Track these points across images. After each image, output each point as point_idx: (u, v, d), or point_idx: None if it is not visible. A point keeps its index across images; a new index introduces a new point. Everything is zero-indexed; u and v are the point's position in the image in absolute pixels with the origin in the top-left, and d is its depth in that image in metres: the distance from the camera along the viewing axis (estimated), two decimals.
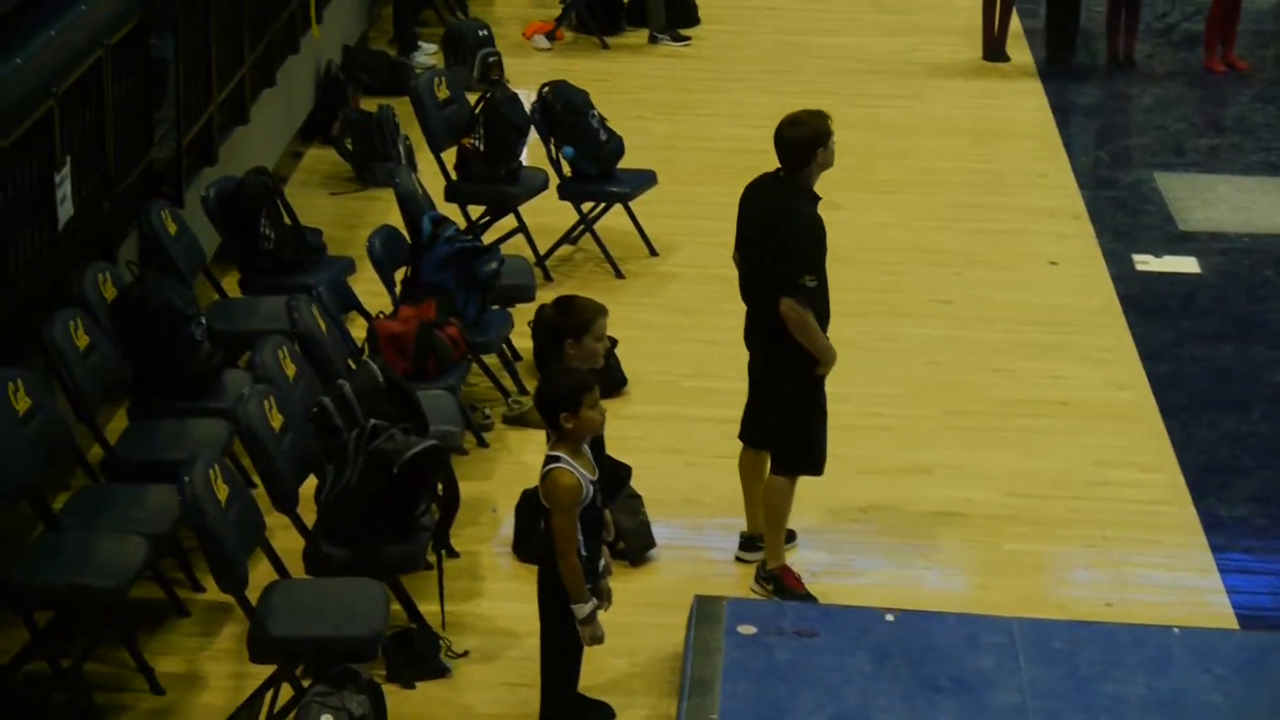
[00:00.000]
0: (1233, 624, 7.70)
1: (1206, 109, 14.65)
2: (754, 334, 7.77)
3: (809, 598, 7.74)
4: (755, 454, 7.91)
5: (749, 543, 8.05)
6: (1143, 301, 10.83)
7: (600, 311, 7.15)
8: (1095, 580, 8.08)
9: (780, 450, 7.77)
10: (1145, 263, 11.42)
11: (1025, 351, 10.09)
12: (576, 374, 6.59)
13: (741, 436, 7.97)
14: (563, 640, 6.55)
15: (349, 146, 12.18)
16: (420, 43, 14.59)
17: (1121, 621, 7.62)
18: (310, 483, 7.38)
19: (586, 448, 6.48)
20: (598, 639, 6.52)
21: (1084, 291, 10.95)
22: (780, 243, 7.42)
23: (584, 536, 6.42)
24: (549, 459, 6.39)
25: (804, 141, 7.44)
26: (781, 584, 7.77)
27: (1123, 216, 12.15)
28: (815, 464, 7.79)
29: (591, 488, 6.42)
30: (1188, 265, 11.41)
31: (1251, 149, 13.48)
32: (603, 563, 6.66)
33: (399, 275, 9.24)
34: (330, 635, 6.54)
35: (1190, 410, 9.51)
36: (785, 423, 7.72)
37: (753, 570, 7.93)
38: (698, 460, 8.88)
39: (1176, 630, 7.43)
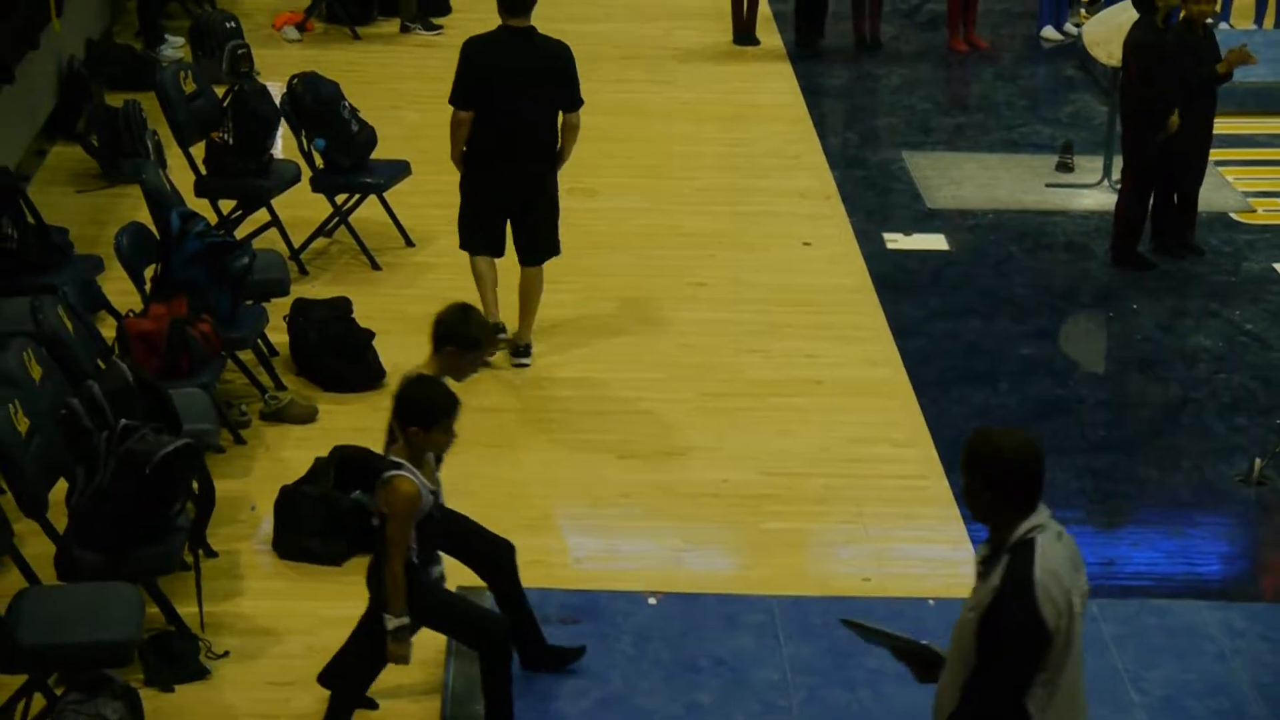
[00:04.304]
0: None
1: (951, 88, 14.98)
2: (530, 161, 9.45)
3: None
4: (493, 263, 9.69)
5: (501, 329, 9.68)
6: (894, 279, 11.03)
7: (491, 342, 6.97)
8: (853, 556, 8.21)
9: (551, 243, 9.71)
10: (895, 241, 11.63)
11: (780, 332, 10.23)
12: (446, 395, 6.36)
13: (489, 253, 9.64)
14: (475, 622, 6.51)
15: (95, 143, 11.95)
16: (167, 36, 14.36)
17: (878, 595, 7.76)
18: (61, 487, 7.23)
19: (430, 457, 6.37)
20: (403, 658, 6.38)
21: (837, 271, 11.12)
22: (564, 73, 9.39)
23: (417, 545, 6.32)
24: (390, 464, 6.26)
25: None
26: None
27: (873, 196, 12.36)
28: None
29: (432, 498, 6.32)
30: (936, 243, 11.65)
31: (994, 127, 13.79)
32: (439, 570, 6.56)
33: (149, 273, 9.08)
34: (83, 642, 6.42)
35: (941, 385, 9.72)
36: (554, 220, 9.68)
37: None
38: (461, 449, 8.75)
39: (931, 602, 7.59)
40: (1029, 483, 4.94)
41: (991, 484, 4.94)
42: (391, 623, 6.27)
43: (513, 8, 9.34)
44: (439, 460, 6.57)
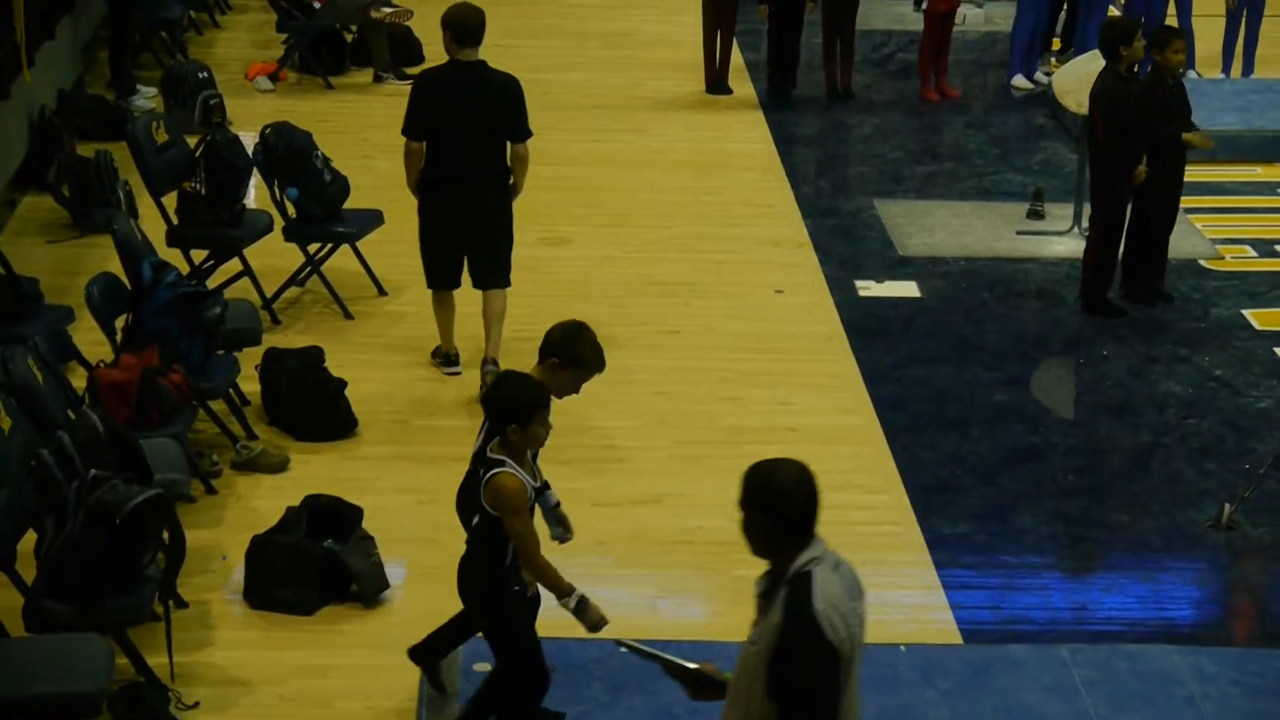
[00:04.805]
0: (956, 639, 7.89)
1: (922, 137, 15.06)
2: (481, 190, 9.73)
3: None
4: (451, 295, 10.05)
5: (454, 359, 10.17)
6: (866, 326, 11.07)
7: (599, 366, 6.88)
8: None
9: (507, 267, 9.98)
10: (867, 288, 11.67)
11: (753, 379, 10.24)
12: (534, 386, 6.37)
13: (447, 287, 9.99)
14: (523, 663, 6.50)
15: (66, 193, 11.94)
16: (139, 86, 14.38)
17: None
18: (30, 538, 7.20)
19: (529, 454, 6.36)
20: (602, 622, 6.39)
21: (809, 318, 11.15)
22: (513, 105, 9.66)
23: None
24: (491, 462, 6.23)
25: (484, 22, 9.65)
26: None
27: (845, 244, 12.40)
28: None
29: (534, 493, 6.34)
30: (908, 290, 11.69)
31: (966, 175, 13.86)
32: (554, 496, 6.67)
33: (120, 323, 9.07)
34: (52, 693, 6.39)
35: (912, 432, 9.74)
36: (508, 249, 9.97)
37: None
38: (430, 499, 8.84)
39: (903, 648, 7.59)
40: (805, 513, 5.01)
41: (770, 515, 4.99)
42: (571, 602, 6.28)
43: (461, 40, 9.60)
44: (534, 456, 6.54)
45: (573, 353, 6.72)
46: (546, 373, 6.71)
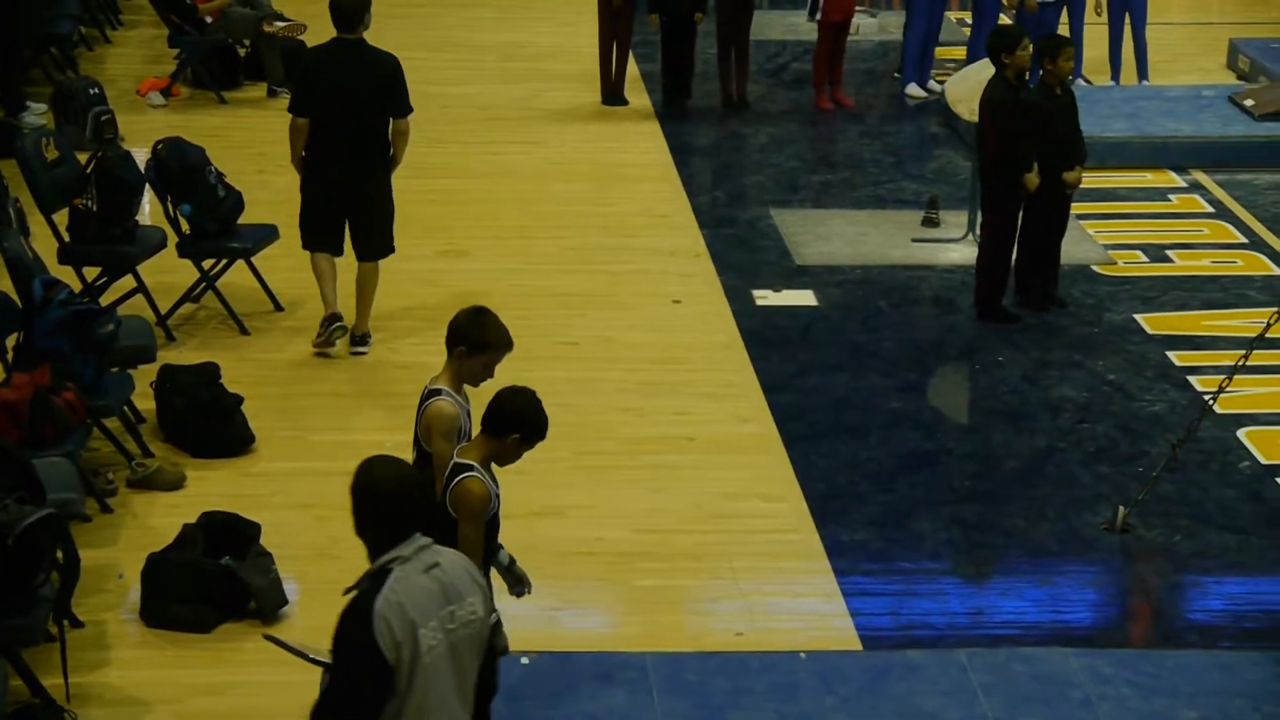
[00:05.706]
0: (856, 645, 7.93)
1: (818, 146, 15.13)
2: (364, 163, 10.21)
3: None
4: (332, 261, 10.43)
5: (333, 319, 10.40)
6: (764, 335, 11.11)
7: (507, 346, 6.79)
8: (726, 611, 8.23)
9: (385, 241, 10.49)
10: (765, 297, 11.71)
11: (651, 389, 10.26)
12: (543, 417, 6.35)
13: (328, 249, 10.40)
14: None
15: None
16: (29, 102, 14.22)
17: (751, 650, 7.80)
18: None
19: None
20: (507, 647, 6.47)
21: (707, 328, 11.19)
22: (394, 82, 10.18)
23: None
24: (460, 467, 6.23)
25: (364, 5, 10.13)
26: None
27: (742, 253, 12.44)
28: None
29: (496, 502, 6.34)
30: (805, 299, 11.74)
31: (861, 183, 13.95)
32: (507, 554, 6.67)
33: (11, 341, 8.98)
34: None
35: (811, 439, 9.79)
36: (388, 217, 10.45)
37: None
38: (329, 514, 8.78)
39: (803, 655, 7.63)
40: (394, 512, 5.13)
41: (359, 509, 5.13)
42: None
43: (341, 24, 10.19)
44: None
45: (477, 336, 6.71)
46: (455, 362, 6.73)
